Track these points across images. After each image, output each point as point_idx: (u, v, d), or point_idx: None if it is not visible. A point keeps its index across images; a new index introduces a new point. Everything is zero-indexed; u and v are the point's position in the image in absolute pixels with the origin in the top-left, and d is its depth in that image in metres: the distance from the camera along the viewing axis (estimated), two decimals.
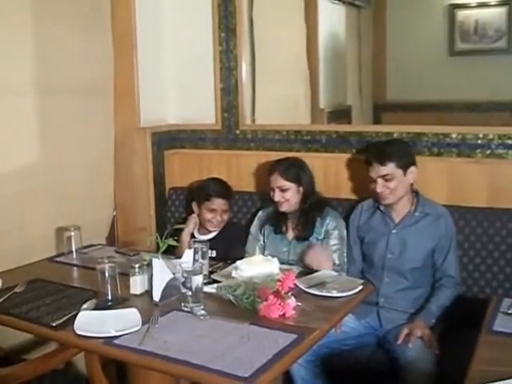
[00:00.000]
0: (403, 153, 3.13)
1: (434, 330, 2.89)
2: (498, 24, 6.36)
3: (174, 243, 2.75)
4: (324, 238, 3.28)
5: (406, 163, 3.07)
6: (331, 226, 3.28)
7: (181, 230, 3.40)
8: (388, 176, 3.03)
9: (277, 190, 3.30)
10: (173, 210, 4.03)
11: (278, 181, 3.30)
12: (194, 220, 3.52)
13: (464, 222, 3.22)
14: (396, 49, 6.66)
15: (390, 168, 3.04)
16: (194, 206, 3.57)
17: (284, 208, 3.32)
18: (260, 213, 3.54)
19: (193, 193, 3.73)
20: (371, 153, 3.16)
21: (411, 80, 6.50)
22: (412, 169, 3.09)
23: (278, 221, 3.40)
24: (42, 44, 3.37)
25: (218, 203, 3.50)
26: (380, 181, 3.05)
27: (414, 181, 3.12)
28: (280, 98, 4.60)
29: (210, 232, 3.53)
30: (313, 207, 3.34)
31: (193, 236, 3.45)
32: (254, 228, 3.51)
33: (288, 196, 3.30)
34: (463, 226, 3.22)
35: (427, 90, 6.38)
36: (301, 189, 3.33)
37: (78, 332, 2.22)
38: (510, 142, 3.24)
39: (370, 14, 6.60)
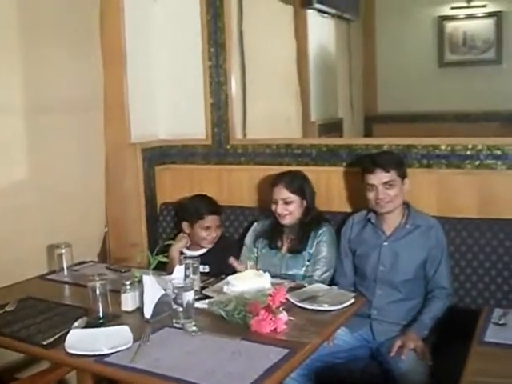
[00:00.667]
0: (401, 163, 3.17)
1: (426, 342, 2.88)
2: (486, 35, 6.41)
3: (164, 259, 2.75)
4: (314, 251, 3.29)
5: (403, 173, 3.12)
6: (322, 240, 3.29)
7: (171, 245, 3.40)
8: (391, 182, 3.05)
9: (280, 203, 3.29)
10: (164, 225, 4.02)
11: (283, 193, 3.30)
12: (184, 240, 3.52)
13: (455, 233, 3.23)
14: (386, 61, 6.70)
15: (392, 175, 3.06)
16: (186, 226, 3.55)
17: (286, 221, 3.31)
18: (255, 225, 3.54)
19: (182, 213, 3.68)
20: (371, 160, 3.15)
21: (402, 92, 6.54)
22: (406, 180, 3.12)
23: (274, 235, 3.40)
24: (32, 61, 3.37)
25: (212, 220, 3.49)
26: (381, 188, 3.06)
27: (407, 192, 3.13)
28: (271, 112, 4.61)
29: (202, 248, 3.52)
30: (311, 221, 3.35)
31: (182, 253, 3.43)
32: (248, 239, 3.51)
33: (291, 209, 3.30)
34: (454, 236, 3.23)
35: (417, 101, 6.42)
36: (304, 202, 3.34)
37: (69, 350, 2.21)
38: (499, 152, 3.25)
39: (359, 26, 6.64)
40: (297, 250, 3.31)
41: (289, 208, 3.30)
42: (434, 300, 3.04)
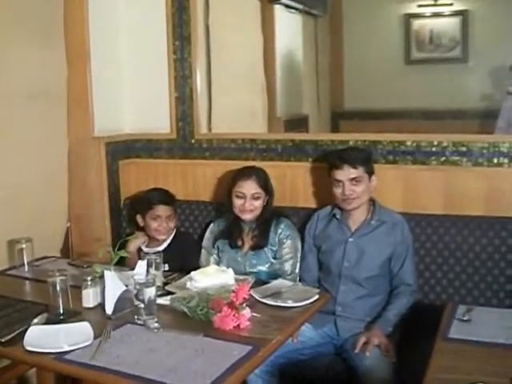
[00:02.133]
0: (369, 160, 3.17)
1: (391, 338, 2.88)
2: (453, 33, 6.47)
3: (126, 255, 2.71)
4: (278, 247, 3.27)
5: (370, 170, 3.12)
6: (284, 235, 3.27)
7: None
8: (358, 178, 3.05)
9: (249, 198, 3.26)
10: (128, 220, 3.96)
11: (253, 187, 3.27)
12: (141, 238, 3.48)
13: (420, 229, 3.23)
14: (353, 57, 6.72)
15: (359, 171, 3.06)
16: (139, 218, 3.53)
17: (249, 216, 3.28)
18: (212, 226, 3.50)
19: (135, 206, 3.68)
20: (339, 156, 3.14)
21: (368, 88, 6.56)
22: (373, 177, 3.13)
23: (233, 234, 3.36)
24: None
25: (162, 210, 3.45)
26: (348, 184, 3.05)
27: (373, 189, 3.14)
28: (237, 107, 4.59)
29: (160, 244, 3.46)
30: (271, 217, 3.32)
31: (141, 250, 3.33)
32: (206, 242, 3.47)
33: (257, 204, 3.28)
34: (419, 233, 3.23)
35: (384, 98, 6.45)
36: (266, 198, 3.32)
37: (28, 348, 2.15)
38: (464, 149, 3.26)
39: (326, 22, 6.65)
40: (259, 246, 3.28)
41: (255, 203, 3.27)
42: (398, 296, 3.04)
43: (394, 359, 2.79)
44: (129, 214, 3.91)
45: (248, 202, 3.26)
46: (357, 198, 3.07)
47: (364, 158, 3.14)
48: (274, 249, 3.28)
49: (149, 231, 3.48)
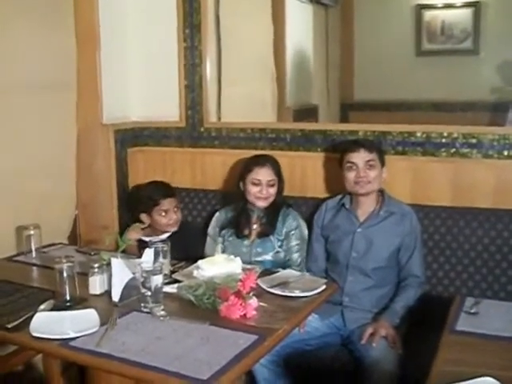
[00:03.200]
0: (382, 151, 3.20)
1: (398, 330, 2.87)
2: (464, 25, 6.40)
3: (132, 243, 2.70)
4: (284, 238, 3.27)
5: (383, 160, 3.14)
6: (292, 226, 3.28)
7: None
8: (372, 162, 3.07)
9: (265, 185, 3.26)
10: (130, 214, 3.94)
11: (269, 174, 3.28)
12: (139, 231, 3.43)
13: (428, 221, 3.23)
14: (363, 48, 6.67)
15: (374, 156, 3.09)
16: (145, 217, 3.48)
17: (264, 204, 3.28)
18: (218, 214, 3.49)
19: (137, 205, 3.59)
20: (355, 141, 3.22)
21: (378, 79, 6.51)
22: (384, 169, 3.14)
23: (241, 223, 3.35)
24: (0, 39, 3.28)
25: (168, 203, 3.43)
26: (362, 166, 3.07)
27: (384, 180, 3.14)
28: (246, 96, 4.56)
29: (164, 233, 3.41)
30: (278, 205, 3.32)
31: (141, 240, 3.32)
32: (211, 230, 3.47)
33: (272, 191, 3.29)
34: (427, 224, 3.22)
35: (394, 89, 6.40)
36: (279, 186, 3.32)
37: (34, 334, 2.15)
38: (474, 141, 3.24)
39: (337, 13, 6.60)
40: (266, 233, 3.28)
41: (271, 190, 3.28)
42: (406, 288, 3.04)
43: (401, 351, 2.78)
44: (128, 211, 3.88)
45: (264, 189, 3.26)
46: (369, 183, 3.07)
47: (377, 147, 3.19)
48: (281, 238, 3.28)
49: (159, 227, 3.43)
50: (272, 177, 3.28)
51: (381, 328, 2.82)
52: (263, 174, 3.27)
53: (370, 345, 2.77)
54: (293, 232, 3.27)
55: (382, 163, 3.13)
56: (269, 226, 3.29)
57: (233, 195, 3.44)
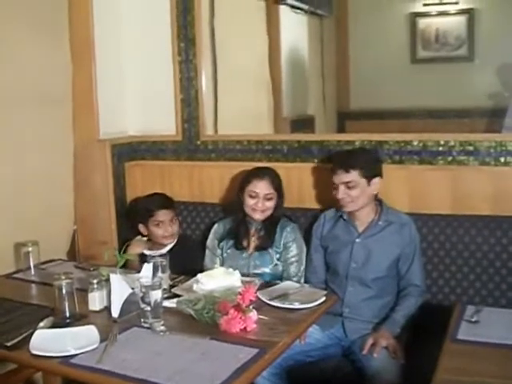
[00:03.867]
0: (369, 163, 3.10)
1: (399, 340, 2.86)
2: (459, 32, 6.43)
3: (132, 257, 2.70)
4: (283, 250, 3.26)
5: (370, 174, 3.06)
6: (290, 238, 3.27)
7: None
8: (350, 184, 3.02)
9: (262, 198, 3.25)
10: (131, 226, 3.93)
11: (267, 188, 3.27)
12: (141, 245, 3.46)
13: (427, 230, 3.22)
14: (359, 57, 6.68)
15: (353, 176, 3.02)
16: (141, 228, 3.51)
17: (260, 216, 3.28)
18: (216, 226, 3.48)
19: (135, 216, 3.63)
20: (336, 159, 3.16)
21: (374, 88, 6.52)
22: (376, 180, 3.08)
23: (240, 235, 3.34)
24: None
25: (163, 214, 3.44)
26: (342, 188, 3.04)
27: (377, 192, 3.11)
28: (243, 108, 4.57)
29: (164, 247, 3.44)
30: (275, 220, 3.31)
31: (143, 254, 3.33)
32: (210, 242, 3.45)
33: (270, 205, 3.28)
34: (426, 233, 3.22)
35: (390, 97, 6.41)
36: (278, 200, 3.31)
37: (34, 352, 2.15)
38: (471, 148, 3.24)
39: (332, 23, 6.61)
40: (264, 246, 3.27)
41: (267, 204, 3.27)
42: (406, 297, 3.03)
43: (403, 361, 2.77)
44: (128, 223, 3.89)
45: (261, 202, 3.26)
46: (351, 202, 3.05)
47: (363, 161, 3.08)
48: (279, 251, 3.27)
49: (154, 238, 3.46)
50: (270, 190, 3.27)
51: (381, 338, 2.81)
52: (261, 187, 3.27)
53: (371, 355, 2.76)
54: (290, 244, 3.26)
55: (370, 177, 3.05)
56: (267, 240, 3.28)
57: (231, 208, 3.45)
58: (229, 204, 3.61)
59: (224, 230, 3.42)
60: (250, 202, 3.28)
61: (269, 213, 3.28)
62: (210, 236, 3.47)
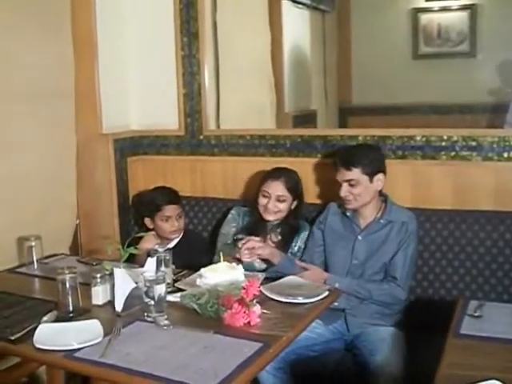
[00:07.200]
0: (371, 159, 3.06)
1: (401, 333, 2.87)
2: (460, 27, 6.41)
3: (135, 252, 2.69)
4: (297, 252, 3.26)
5: (373, 170, 3.03)
6: (301, 246, 3.27)
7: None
8: (352, 181, 3.01)
9: (273, 198, 3.23)
10: (135, 220, 3.95)
11: (280, 189, 3.24)
12: (153, 240, 3.42)
13: (429, 225, 3.22)
14: (361, 53, 6.67)
15: (354, 173, 3.00)
16: (148, 221, 3.52)
17: (271, 217, 3.26)
18: (234, 213, 3.45)
19: (142, 209, 3.65)
20: (338, 157, 3.14)
21: (376, 83, 6.51)
22: (379, 176, 3.04)
23: (256, 230, 3.28)
24: None
25: (171, 209, 3.45)
26: (344, 185, 3.03)
27: (381, 188, 3.09)
28: (245, 103, 4.57)
29: (169, 242, 3.44)
30: (291, 227, 3.30)
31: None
32: (226, 228, 3.42)
33: (282, 207, 3.25)
34: (429, 228, 3.22)
35: (392, 93, 6.39)
36: (295, 203, 3.29)
37: (38, 345, 2.15)
38: (473, 143, 3.24)
39: (334, 18, 6.60)
40: (282, 250, 3.20)
41: (280, 206, 3.24)
42: (381, 281, 3.01)
43: (405, 355, 2.78)
44: (134, 215, 3.91)
45: (272, 202, 3.23)
46: (354, 200, 3.03)
47: (366, 158, 3.04)
48: (293, 252, 3.26)
49: (161, 233, 3.46)
50: (283, 192, 3.23)
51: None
52: (273, 188, 3.24)
53: (374, 350, 2.77)
54: (298, 254, 3.25)
55: (372, 174, 3.02)
56: (282, 246, 3.24)
57: (234, 202, 3.44)
58: (231, 199, 3.64)
59: (242, 221, 3.40)
60: (262, 201, 3.27)
61: (281, 215, 3.26)
62: (227, 221, 3.44)
